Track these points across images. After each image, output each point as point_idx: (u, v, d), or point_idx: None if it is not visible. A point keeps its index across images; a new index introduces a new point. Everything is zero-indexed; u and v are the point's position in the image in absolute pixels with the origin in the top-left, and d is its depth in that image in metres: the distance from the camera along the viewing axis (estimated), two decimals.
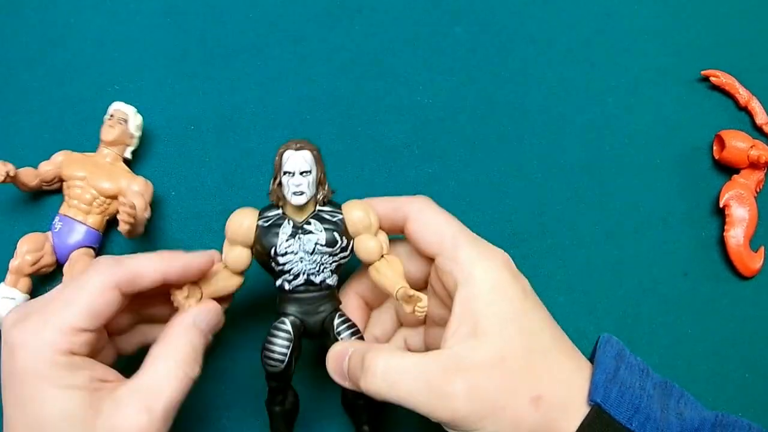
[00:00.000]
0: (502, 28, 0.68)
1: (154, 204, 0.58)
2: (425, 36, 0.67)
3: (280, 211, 0.47)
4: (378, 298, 0.51)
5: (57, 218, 0.56)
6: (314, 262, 0.46)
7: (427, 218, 0.47)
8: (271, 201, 0.47)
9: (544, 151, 0.64)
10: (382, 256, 0.47)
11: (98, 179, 0.56)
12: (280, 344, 0.46)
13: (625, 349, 0.45)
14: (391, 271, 0.47)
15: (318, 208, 0.47)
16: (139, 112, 0.59)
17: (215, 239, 0.48)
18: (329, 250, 0.46)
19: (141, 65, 0.65)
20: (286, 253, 0.46)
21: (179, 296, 0.45)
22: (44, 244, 0.55)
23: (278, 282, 0.47)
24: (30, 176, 0.56)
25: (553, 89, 0.66)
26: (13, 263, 0.54)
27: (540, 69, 0.67)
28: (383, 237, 0.48)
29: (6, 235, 0.58)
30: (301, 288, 0.47)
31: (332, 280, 0.47)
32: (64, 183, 0.57)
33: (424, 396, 0.40)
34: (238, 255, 0.46)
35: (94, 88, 0.63)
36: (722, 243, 0.61)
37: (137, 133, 0.59)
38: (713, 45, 0.69)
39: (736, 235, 0.61)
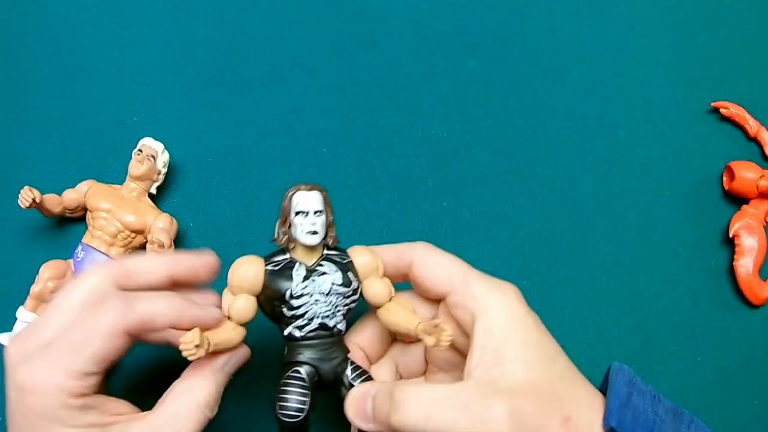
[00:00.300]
0: (516, 63, 0.69)
1: None
2: (440, 70, 0.68)
3: (287, 255, 0.45)
4: (377, 350, 0.50)
5: (80, 247, 0.56)
6: (329, 303, 0.45)
7: (433, 259, 0.47)
8: (279, 245, 0.46)
9: (556, 183, 0.64)
10: (391, 298, 0.47)
11: (124, 213, 0.57)
12: (296, 393, 0.44)
13: (636, 376, 0.45)
14: (403, 310, 0.46)
15: (326, 252, 0.46)
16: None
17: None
18: (344, 291, 0.45)
19: (160, 97, 0.65)
20: (301, 295, 0.44)
21: (190, 345, 0.40)
22: (66, 272, 0.55)
23: (287, 330, 0.45)
24: (54, 203, 0.57)
25: (565, 122, 0.67)
26: (34, 289, 0.54)
27: (552, 102, 0.67)
28: (388, 281, 0.47)
29: (28, 260, 0.58)
30: (312, 334, 0.45)
31: (343, 326, 0.46)
32: (88, 213, 0.58)
33: (464, 422, 0.40)
34: (245, 304, 0.44)
35: (113, 120, 0.64)
36: (732, 272, 0.62)
37: (164, 170, 0.60)
38: (723, 77, 0.69)
39: (746, 264, 0.61)
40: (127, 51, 0.67)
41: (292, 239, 0.45)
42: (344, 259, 0.46)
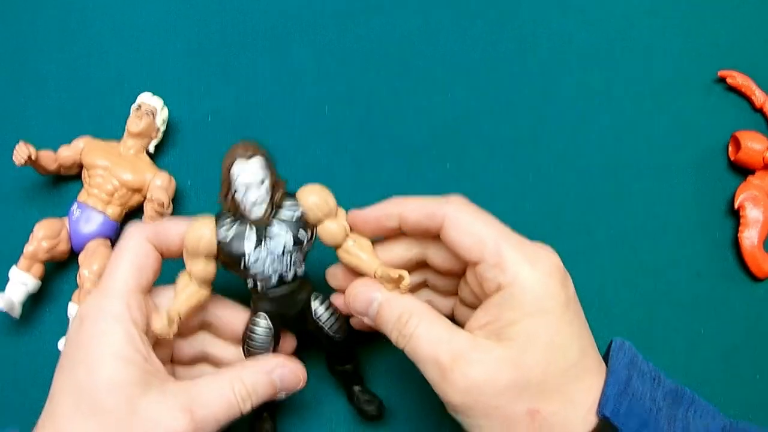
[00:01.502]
0: (522, 29, 0.68)
1: None
2: (445, 35, 0.67)
3: (236, 218, 0.45)
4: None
5: (75, 205, 0.56)
6: (284, 262, 0.45)
7: (465, 223, 0.44)
8: (226, 211, 0.45)
9: (561, 153, 0.63)
10: (347, 236, 0.47)
11: (121, 170, 0.56)
12: (261, 339, 0.47)
13: (638, 355, 0.44)
14: (362, 251, 0.46)
15: (275, 206, 0.45)
16: None
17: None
18: (297, 248, 0.45)
19: (159, 55, 0.65)
20: (256, 260, 0.44)
21: (157, 325, 0.44)
22: (60, 231, 0.55)
23: (250, 283, 0.46)
24: (49, 160, 0.56)
25: (571, 91, 0.66)
26: (28, 248, 0.53)
27: (558, 71, 0.67)
28: (342, 214, 0.47)
29: (22, 219, 0.58)
30: (275, 287, 0.46)
31: (302, 271, 0.47)
32: (84, 170, 0.57)
33: (431, 371, 0.42)
34: (204, 268, 0.45)
35: (112, 77, 0.63)
36: (736, 244, 0.61)
37: (163, 127, 0.59)
38: (729, 46, 0.68)
39: (751, 236, 0.61)
40: (128, 5, 0.66)
41: (238, 207, 0.44)
42: (295, 212, 0.45)
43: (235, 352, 0.49)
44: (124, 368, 0.41)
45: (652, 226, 0.62)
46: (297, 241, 0.45)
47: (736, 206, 0.61)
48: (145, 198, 0.56)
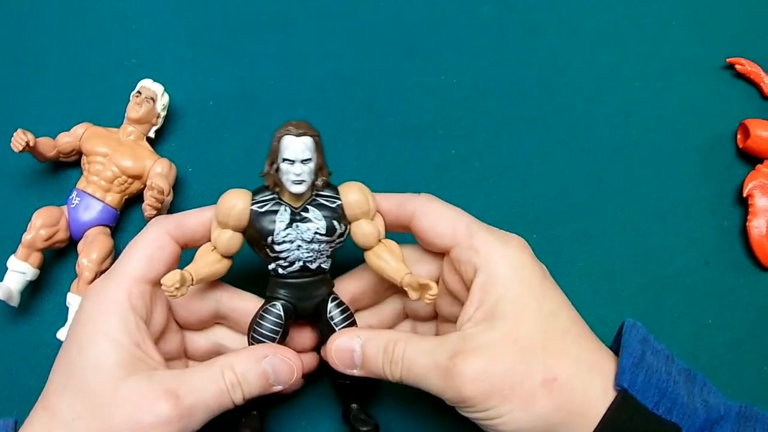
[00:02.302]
0: (530, 10, 0.68)
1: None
2: (452, 15, 0.67)
3: (275, 194, 0.45)
4: (370, 298, 0.50)
5: (74, 193, 0.55)
6: (311, 250, 0.45)
7: (436, 211, 0.46)
8: (266, 184, 0.45)
9: (570, 135, 0.63)
10: (380, 240, 0.46)
11: (121, 157, 0.55)
12: (269, 328, 0.46)
13: (650, 334, 0.44)
14: (391, 256, 0.46)
15: (315, 194, 0.45)
16: None
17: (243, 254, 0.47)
18: (328, 238, 0.45)
19: (160, 39, 0.64)
20: (283, 242, 0.44)
21: (168, 284, 0.42)
22: (59, 219, 0.54)
23: (272, 266, 0.46)
24: (48, 147, 0.55)
25: (580, 73, 0.66)
26: (26, 237, 0.53)
27: (567, 52, 0.66)
28: (380, 221, 0.47)
29: (20, 207, 0.57)
30: (296, 274, 0.46)
31: (327, 265, 0.46)
32: (83, 157, 0.56)
33: (434, 380, 0.41)
34: (229, 239, 0.45)
35: (112, 61, 0.63)
36: (745, 233, 0.61)
37: (163, 113, 0.58)
38: (739, 33, 0.68)
39: (759, 225, 0.60)
40: None
41: (278, 182, 0.44)
42: (333, 202, 0.45)
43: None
44: (112, 350, 0.41)
45: (660, 213, 0.61)
46: (329, 231, 0.44)
47: (744, 195, 0.61)
48: (145, 185, 0.55)
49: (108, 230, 0.55)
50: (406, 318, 0.52)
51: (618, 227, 0.60)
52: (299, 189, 0.43)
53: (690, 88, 0.66)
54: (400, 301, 0.51)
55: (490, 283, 0.42)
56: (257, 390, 0.43)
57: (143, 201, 0.55)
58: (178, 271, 0.43)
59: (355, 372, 0.45)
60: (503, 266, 0.42)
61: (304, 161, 0.43)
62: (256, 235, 0.44)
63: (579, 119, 0.64)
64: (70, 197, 0.55)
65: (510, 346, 0.40)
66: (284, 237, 0.44)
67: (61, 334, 0.51)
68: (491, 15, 0.67)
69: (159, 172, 0.55)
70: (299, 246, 0.44)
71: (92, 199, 0.54)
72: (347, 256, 0.49)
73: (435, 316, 0.50)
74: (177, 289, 0.42)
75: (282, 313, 0.46)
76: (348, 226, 0.46)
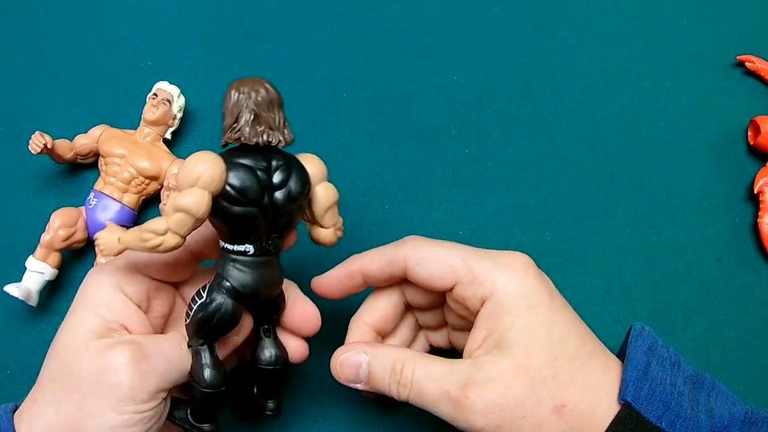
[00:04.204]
0: (540, 9, 0.68)
1: None
2: (463, 15, 0.67)
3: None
4: (391, 324, 0.49)
5: (92, 194, 0.56)
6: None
7: (428, 255, 0.44)
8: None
9: (581, 134, 0.63)
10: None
11: (138, 158, 0.56)
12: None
13: (657, 340, 0.44)
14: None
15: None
16: None
17: None
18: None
19: (175, 42, 0.65)
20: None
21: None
22: (77, 220, 0.55)
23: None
24: (65, 149, 0.56)
25: (591, 71, 0.66)
26: (45, 237, 0.53)
27: (577, 51, 0.67)
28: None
29: (39, 208, 0.58)
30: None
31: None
32: (100, 159, 0.57)
33: (445, 408, 0.41)
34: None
35: (127, 64, 0.63)
36: (756, 229, 0.61)
37: (179, 115, 0.59)
38: (749, 30, 0.68)
39: None
40: None
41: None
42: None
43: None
44: (89, 316, 0.41)
45: (672, 210, 0.61)
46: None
47: (755, 191, 0.61)
48: (161, 186, 0.56)
49: (125, 230, 0.55)
50: (421, 329, 0.51)
51: (629, 225, 0.60)
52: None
53: (700, 85, 0.66)
54: (411, 317, 0.50)
55: (498, 313, 0.42)
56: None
57: (160, 201, 0.56)
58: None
59: (359, 386, 0.45)
60: (510, 295, 0.42)
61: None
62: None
63: (590, 118, 0.64)
64: (88, 198, 0.56)
65: (521, 376, 0.40)
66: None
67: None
68: (502, 16, 0.67)
69: (175, 173, 0.55)
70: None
71: (109, 199, 0.55)
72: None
73: (444, 324, 0.50)
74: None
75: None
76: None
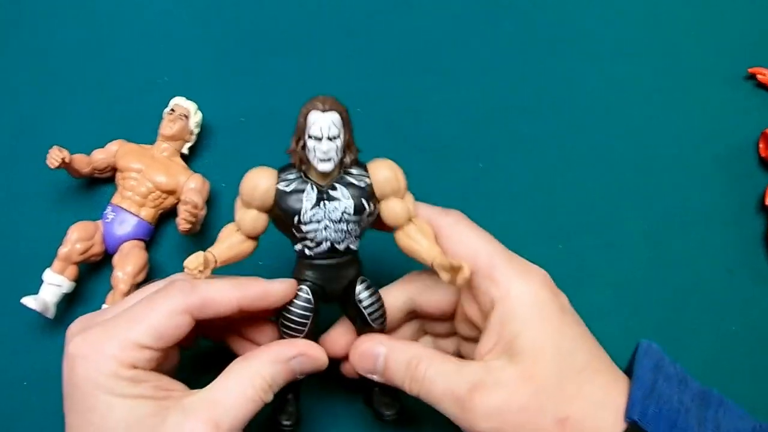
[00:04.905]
0: (550, 26, 0.68)
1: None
2: (474, 32, 0.68)
3: (301, 172, 0.43)
4: (395, 324, 0.49)
5: (109, 208, 0.56)
6: (339, 230, 0.43)
7: (461, 235, 0.45)
8: (292, 162, 0.43)
9: (591, 148, 0.64)
10: (410, 220, 0.45)
11: (155, 173, 0.56)
12: (299, 313, 0.44)
13: (664, 357, 0.44)
14: (422, 237, 0.44)
15: (343, 172, 0.43)
16: None
17: (266, 235, 0.45)
18: (356, 218, 0.43)
19: (191, 58, 0.65)
20: (310, 222, 0.42)
21: (192, 267, 0.41)
22: (95, 233, 0.55)
23: (298, 246, 0.44)
24: (83, 163, 0.56)
25: (600, 86, 0.66)
26: (62, 250, 0.54)
27: (587, 66, 0.67)
28: (410, 198, 0.45)
29: (56, 221, 0.58)
30: (324, 255, 0.44)
31: (355, 245, 0.45)
32: (118, 173, 0.57)
33: (451, 410, 0.42)
34: (254, 219, 0.43)
35: (143, 80, 0.64)
36: (767, 242, 0.61)
37: (196, 130, 0.59)
38: (759, 43, 0.68)
39: None
40: (158, 9, 0.67)
41: (305, 160, 0.43)
42: (361, 180, 0.43)
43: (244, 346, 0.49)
44: (135, 406, 0.39)
45: (682, 222, 0.61)
46: (357, 210, 0.43)
47: (766, 203, 0.61)
48: (179, 200, 0.56)
49: (143, 244, 0.56)
50: (425, 334, 0.52)
51: (640, 238, 0.61)
52: (327, 167, 0.42)
53: (711, 98, 0.66)
54: (416, 321, 0.51)
55: (509, 319, 0.42)
56: (284, 384, 0.43)
57: (177, 215, 0.56)
58: (201, 253, 0.41)
59: (375, 377, 0.46)
60: (522, 303, 0.42)
61: (331, 138, 0.41)
62: (281, 214, 0.43)
63: (600, 132, 0.64)
64: (105, 212, 0.56)
65: (526, 384, 0.40)
66: (312, 216, 0.42)
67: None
68: (511, 32, 0.68)
69: (192, 188, 0.56)
70: (327, 226, 0.43)
71: (127, 213, 0.55)
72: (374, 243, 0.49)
73: (454, 333, 0.50)
74: (200, 272, 0.41)
75: (311, 297, 0.44)
76: (377, 205, 0.44)
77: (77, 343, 0.40)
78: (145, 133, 0.59)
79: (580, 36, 0.68)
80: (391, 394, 0.48)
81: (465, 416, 0.41)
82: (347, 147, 0.43)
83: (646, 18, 0.69)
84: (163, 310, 0.41)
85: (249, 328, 0.48)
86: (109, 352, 0.39)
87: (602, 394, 0.41)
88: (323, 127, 0.41)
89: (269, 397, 0.42)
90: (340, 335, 0.48)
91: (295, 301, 0.44)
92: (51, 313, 0.54)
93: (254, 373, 0.42)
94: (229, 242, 0.44)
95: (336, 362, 0.50)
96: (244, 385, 0.41)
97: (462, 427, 0.42)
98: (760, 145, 0.64)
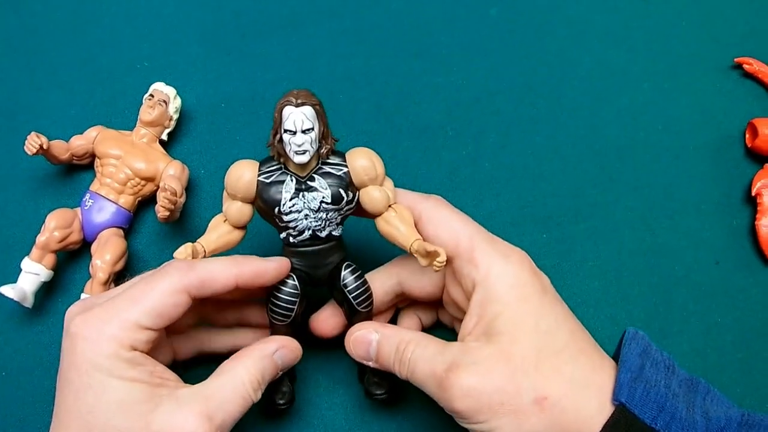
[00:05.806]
0: (538, 11, 0.68)
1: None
2: (461, 17, 0.67)
3: (281, 165, 0.45)
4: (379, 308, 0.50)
5: (87, 195, 0.55)
6: (320, 219, 0.45)
7: (441, 219, 0.46)
8: (272, 155, 0.45)
9: (579, 135, 0.63)
10: (390, 206, 0.46)
11: (134, 159, 0.56)
12: (286, 299, 0.46)
13: (651, 344, 0.44)
14: (401, 223, 0.45)
15: (321, 163, 0.45)
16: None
17: (254, 224, 0.47)
18: (335, 207, 0.45)
19: (172, 42, 0.65)
20: (290, 212, 0.44)
21: (181, 257, 0.43)
22: (73, 221, 0.54)
23: (282, 235, 0.46)
24: (61, 150, 0.56)
25: (589, 73, 0.66)
26: (40, 239, 0.53)
27: (576, 52, 0.67)
28: (389, 185, 0.47)
29: (34, 209, 0.58)
30: (307, 242, 0.46)
31: (338, 232, 0.46)
32: (96, 160, 0.57)
33: (431, 389, 0.42)
34: (239, 210, 0.45)
35: (124, 64, 0.63)
36: (753, 232, 0.61)
37: (176, 116, 0.59)
38: (747, 32, 0.68)
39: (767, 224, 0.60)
40: None
41: (282, 153, 0.44)
42: (340, 170, 0.45)
43: (227, 339, 0.51)
44: (130, 389, 0.40)
45: (670, 211, 0.61)
46: (335, 200, 0.44)
47: (753, 193, 0.61)
48: (158, 187, 0.56)
49: (121, 232, 0.55)
50: (412, 306, 0.53)
51: (627, 226, 0.60)
52: (302, 159, 0.43)
53: (698, 87, 0.66)
54: (393, 280, 0.50)
55: (488, 300, 0.43)
56: (270, 380, 0.45)
57: (156, 203, 0.55)
58: (189, 244, 0.43)
59: (370, 364, 0.46)
60: (502, 284, 0.43)
61: (305, 131, 0.43)
62: (263, 205, 0.45)
63: (588, 119, 0.64)
64: (84, 199, 0.55)
65: (502, 364, 0.41)
66: (291, 207, 0.44)
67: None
68: (500, 16, 0.68)
69: (172, 174, 0.55)
70: (307, 215, 0.45)
71: (105, 201, 0.55)
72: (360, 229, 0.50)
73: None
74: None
75: (297, 283, 0.46)
76: (356, 193, 0.46)
77: (78, 323, 0.41)
78: (125, 119, 0.59)
79: (569, 24, 0.68)
80: (381, 374, 0.49)
81: (443, 395, 0.41)
82: (323, 138, 0.44)
83: (633, 8, 0.69)
84: (162, 289, 0.41)
85: (241, 309, 0.50)
86: (109, 332, 0.40)
87: (584, 374, 0.41)
88: (296, 120, 0.42)
89: (259, 395, 0.43)
90: (328, 316, 0.50)
91: (282, 287, 0.46)
92: (29, 303, 0.53)
93: (245, 371, 0.43)
94: (218, 232, 0.46)
95: (328, 343, 0.51)
96: (236, 382, 0.42)
97: (443, 407, 0.42)
98: (747, 135, 0.64)
